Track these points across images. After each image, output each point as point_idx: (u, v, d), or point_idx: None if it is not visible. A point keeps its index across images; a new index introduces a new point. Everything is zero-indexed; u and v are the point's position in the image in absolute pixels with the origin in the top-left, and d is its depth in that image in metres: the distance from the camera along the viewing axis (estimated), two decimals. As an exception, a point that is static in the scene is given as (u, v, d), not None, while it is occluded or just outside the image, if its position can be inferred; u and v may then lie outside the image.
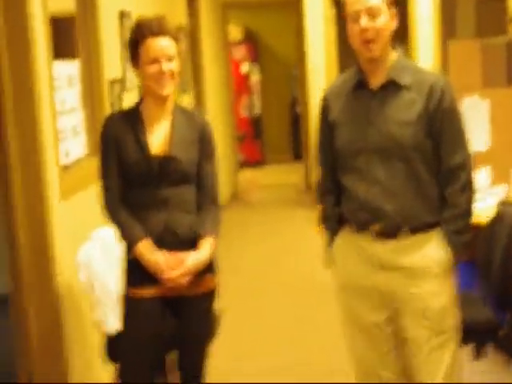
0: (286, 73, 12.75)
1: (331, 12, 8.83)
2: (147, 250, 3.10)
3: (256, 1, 10.36)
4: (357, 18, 2.86)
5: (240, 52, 12.75)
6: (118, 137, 3.14)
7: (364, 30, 2.84)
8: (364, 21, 2.84)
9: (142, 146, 3.14)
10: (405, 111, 2.89)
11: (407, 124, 2.88)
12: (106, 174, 3.17)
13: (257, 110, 13.02)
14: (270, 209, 9.59)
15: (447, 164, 2.91)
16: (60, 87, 4.06)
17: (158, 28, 3.09)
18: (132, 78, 5.30)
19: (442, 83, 2.91)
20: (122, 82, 5.03)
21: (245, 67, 12.84)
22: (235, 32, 12.56)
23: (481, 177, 4.71)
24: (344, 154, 2.99)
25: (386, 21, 2.88)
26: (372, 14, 2.84)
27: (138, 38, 3.11)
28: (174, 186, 3.14)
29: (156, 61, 3.08)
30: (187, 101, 7.62)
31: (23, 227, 3.60)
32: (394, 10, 2.93)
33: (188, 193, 3.18)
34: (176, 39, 3.16)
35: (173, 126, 3.19)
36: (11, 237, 3.60)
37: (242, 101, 12.81)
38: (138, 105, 3.23)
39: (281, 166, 12.56)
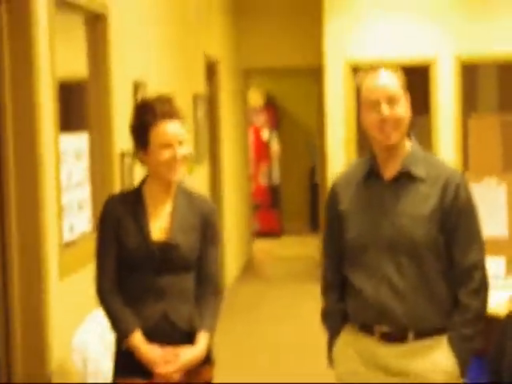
0: (305, 141, 12.64)
1: (352, 82, 8.73)
2: (141, 341, 2.91)
3: (278, 67, 10.28)
4: (376, 107, 2.74)
5: (261, 118, 12.68)
6: (119, 219, 2.99)
7: (384, 120, 2.72)
8: (385, 109, 2.72)
9: (143, 230, 2.98)
10: (418, 205, 2.76)
11: (420, 219, 2.74)
12: (102, 256, 3.00)
13: (275, 179, 12.88)
14: (285, 283, 9.26)
15: (461, 263, 2.76)
16: (67, 161, 3.92)
17: (170, 110, 2.96)
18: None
19: (458, 178, 2.80)
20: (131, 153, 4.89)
21: (265, 134, 12.75)
22: (256, 97, 12.51)
23: (495, 266, 4.48)
24: (352, 248, 2.83)
25: (405, 108, 2.78)
26: (392, 101, 2.73)
27: (148, 121, 2.96)
28: (173, 273, 2.98)
29: (169, 146, 2.94)
30: (202, 170, 7.49)
31: (18, 305, 3.44)
32: (408, 96, 2.82)
33: (187, 281, 3.02)
34: (184, 121, 3.02)
35: (175, 209, 3.03)
36: (5, 316, 3.43)
37: (261, 168, 12.69)
38: (141, 186, 3.07)
39: (298, 236, 12.29)
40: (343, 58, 8.75)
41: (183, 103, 6.65)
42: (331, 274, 2.95)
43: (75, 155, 4.05)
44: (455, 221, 2.74)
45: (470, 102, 10.37)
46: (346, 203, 2.86)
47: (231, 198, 9.21)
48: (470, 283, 2.74)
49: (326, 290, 2.97)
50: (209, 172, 7.93)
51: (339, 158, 8.72)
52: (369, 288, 2.77)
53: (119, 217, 2.98)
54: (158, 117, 2.94)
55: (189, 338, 2.99)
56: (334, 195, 2.92)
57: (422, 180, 2.76)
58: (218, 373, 3.20)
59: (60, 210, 3.67)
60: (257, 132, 12.63)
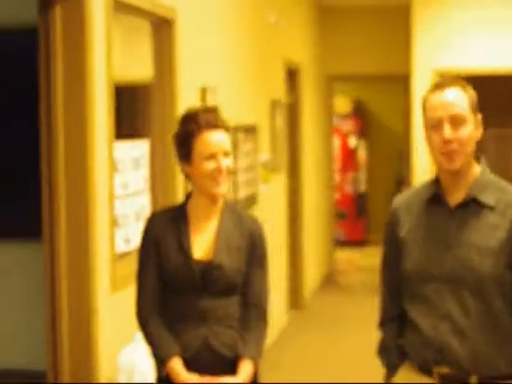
0: (393, 150, 12.29)
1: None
2: (180, 368, 2.72)
3: (363, 74, 10.00)
4: (438, 127, 2.49)
5: (348, 125, 12.40)
6: (160, 238, 2.81)
7: (446, 142, 2.47)
8: (447, 131, 2.47)
9: (185, 249, 2.79)
10: (485, 236, 2.49)
11: (487, 252, 2.47)
12: (143, 277, 2.82)
13: (362, 187, 12.58)
14: (366, 295, 8.91)
15: None
16: (123, 169, 3.78)
17: (215, 120, 2.77)
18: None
19: None
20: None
21: (352, 141, 12.46)
22: (343, 104, 12.24)
23: None
24: (411, 279, 2.57)
25: (471, 130, 2.51)
26: (456, 122, 2.48)
27: (192, 131, 2.78)
28: (216, 296, 2.77)
29: (213, 157, 2.75)
30: (279, 179, 7.29)
31: (66, 318, 3.32)
32: (479, 117, 2.54)
33: (232, 305, 2.81)
34: (229, 132, 2.83)
35: (220, 228, 2.83)
36: (53, 329, 3.32)
37: (348, 176, 12.41)
38: (185, 202, 2.89)
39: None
40: (431, 66, 8.43)
41: (259, 110, 6.47)
42: (390, 305, 2.69)
43: (133, 163, 3.91)
44: None
45: None
46: (406, 230, 2.61)
47: (312, 206, 8.97)
48: None
49: (384, 323, 2.71)
50: (287, 180, 7.72)
51: (426, 166, 8.39)
52: (427, 324, 2.50)
53: (160, 234, 2.80)
54: (202, 126, 2.75)
55: (232, 367, 2.78)
56: (394, 220, 2.66)
57: (490, 208, 2.50)
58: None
59: (113, 221, 3.53)
60: (343, 139, 12.36)
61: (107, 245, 3.49)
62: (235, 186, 5.63)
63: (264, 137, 6.66)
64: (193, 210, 2.85)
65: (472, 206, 2.50)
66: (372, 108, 12.54)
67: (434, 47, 8.45)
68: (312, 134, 9.01)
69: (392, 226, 2.66)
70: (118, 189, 3.71)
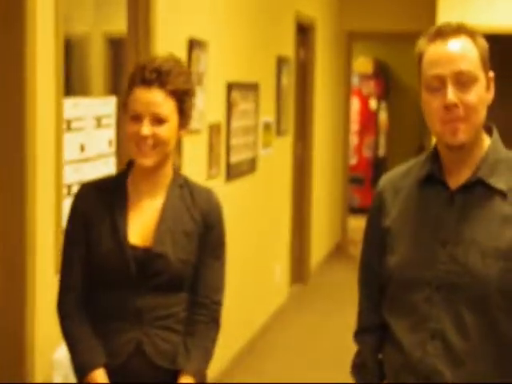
0: (416, 113, 11.65)
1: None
2: (103, 381, 2.24)
3: (386, 31, 9.33)
4: (438, 87, 1.92)
5: (368, 86, 11.77)
6: (90, 217, 2.29)
7: (449, 107, 1.90)
8: (450, 93, 1.90)
9: (119, 232, 2.27)
10: (494, 231, 1.92)
11: (495, 252, 1.90)
12: (67, 264, 2.31)
13: (381, 151, 11.98)
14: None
15: None
16: (81, 129, 3.28)
17: (155, 75, 2.22)
18: (198, 117, 4.49)
19: None
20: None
21: (373, 103, 11.84)
22: (364, 64, 11.61)
23: None
24: (394, 282, 2.02)
25: (482, 92, 1.93)
26: (463, 82, 1.91)
27: (129, 84, 2.26)
28: (156, 292, 2.26)
29: (138, 118, 2.22)
30: (284, 142, 6.75)
31: None
32: (490, 75, 1.97)
33: (177, 304, 2.30)
34: (181, 96, 2.26)
35: (165, 208, 2.31)
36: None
37: (367, 140, 11.81)
38: (126, 173, 2.37)
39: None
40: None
41: (262, 67, 5.91)
42: (368, 312, 2.16)
43: (95, 123, 3.41)
44: None
45: None
46: (391, 217, 2.05)
47: (324, 171, 8.43)
48: None
49: (361, 334, 2.19)
50: (294, 144, 7.18)
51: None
52: (412, 342, 1.97)
53: (91, 212, 2.29)
54: (136, 81, 2.23)
55: (171, 379, 2.27)
56: (378, 205, 2.11)
57: (502, 195, 1.94)
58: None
59: (60, 189, 3.03)
60: (364, 101, 11.74)
61: (52, 218, 3.00)
62: (228, 149, 5.11)
63: (267, 96, 6.11)
64: (133, 184, 2.33)
65: (478, 190, 1.95)
66: (395, 68, 11.89)
67: (460, 3, 7.81)
68: (327, 94, 8.43)
69: (375, 212, 2.11)
70: (73, 152, 3.21)
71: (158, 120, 2.22)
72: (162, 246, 2.25)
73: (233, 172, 5.21)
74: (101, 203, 2.30)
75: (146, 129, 2.20)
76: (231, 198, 5.23)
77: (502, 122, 2.08)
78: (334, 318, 6.54)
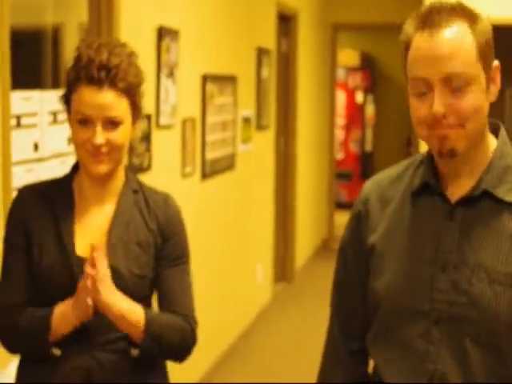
0: (403, 106, 11.39)
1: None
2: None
3: (373, 23, 9.06)
4: (425, 91, 1.58)
5: (355, 79, 11.51)
6: (31, 225, 2.00)
7: (437, 118, 1.56)
8: (437, 102, 1.55)
9: (64, 242, 1.98)
10: (505, 253, 1.59)
11: (508, 279, 1.57)
12: (6, 282, 2.02)
13: (368, 146, 11.72)
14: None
15: None
16: (36, 126, 3.01)
17: (105, 73, 1.91)
18: (170, 111, 4.21)
19: None
20: (151, 116, 3.94)
21: (359, 97, 11.58)
22: (350, 57, 11.34)
23: None
24: (383, 312, 1.69)
25: (480, 93, 1.58)
26: (454, 86, 1.56)
27: (71, 81, 1.95)
28: None
29: (89, 123, 1.93)
30: (265, 137, 6.47)
31: None
32: (495, 64, 1.63)
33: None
34: (133, 91, 1.97)
35: (116, 216, 2.03)
36: None
37: (353, 134, 11.55)
38: (70, 177, 2.08)
39: (389, 209, 11.17)
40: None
41: (240, 58, 5.64)
42: (340, 345, 1.82)
43: (52, 118, 3.13)
44: None
45: None
46: (378, 233, 1.72)
47: (309, 166, 8.17)
48: None
49: (328, 371, 1.85)
50: (276, 139, 6.91)
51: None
52: None
53: (31, 220, 2.00)
54: (81, 78, 1.92)
55: None
56: (361, 216, 1.77)
57: None
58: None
59: (8, 194, 2.75)
60: (350, 95, 11.48)
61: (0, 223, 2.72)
62: (203, 145, 4.83)
63: (247, 89, 5.83)
64: (80, 189, 2.05)
65: (484, 203, 1.62)
66: (382, 61, 11.61)
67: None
68: (311, 87, 8.16)
69: (357, 223, 1.77)
70: (24, 151, 2.94)
71: (112, 123, 1.93)
72: (113, 258, 1.96)
73: (209, 170, 4.94)
74: (43, 210, 2.01)
75: (100, 137, 1.91)
76: (208, 197, 4.96)
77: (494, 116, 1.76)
78: (320, 316, 6.25)
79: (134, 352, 1.96)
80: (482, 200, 1.62)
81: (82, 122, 1.92)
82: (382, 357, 1.69)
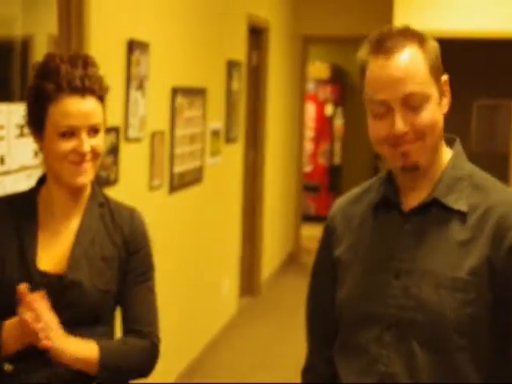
0: (372, 120, 11.45)
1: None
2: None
3: (343, 36, 9.09)
4: (384, 113, 1.68)
5: (324, 92, 11.55)
6: None
7: (398, 136, 1.67)
8: (399, 121, 1.66)
9: (26, 257, 1.98)
10: (451, 259, 1.67)
11: (453, 283, 1.65)
12: None
13: (337, 159, 11.76)
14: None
15: None
16: (2, 138, 2.97)
17: (83, 80, 1.94)
18: (139, 124, 4.19)
19: None
20: (119, 129, 3.92)
21: (329, 110, 11.62)
22: (320, 69, 11.39)
23: None
24: (344, 319, 1.80)
25: (435, 108, 1.69)
26: (412, 104, 1.66)
27: (47, 92, 1.95)
28: (70, 327, 1.94)
29: (73, 133, 1.94)
30: (234, 150, 6.47)
31: None
32: (444, 78, 1.73)
33: (95, 340, 2.00)
34: (104, 98, 2.01)
35: (81, 230, 2.03)
36: None
37: (322, 147, 11.58)
38: (36, 190, 2.08)
39: (357, 222, 11.20)
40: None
41: (210, 71, 5.63)
42: (315, 354, 1.94)
43: (18, 131, 3.09)
44: None
45: None
46: (343, 246, 1.84)
47: (277, 179, 8.17)
48: None
49: (307, 374, 1.96)
50: (245, 152, 6.91)
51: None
52: None
53: None
54: (62, 88, 1.93)
55: None
56: (329, 233, 1.90)
57: (460, 217, 1.69)
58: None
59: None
60: (319, 107, 11.52)
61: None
62: (171, 158, 4.81)
63: (216, 102, 5.82)
64: (45, 202, 2.05)
65: (434, 212, 1.72)
66: (352, 74, 11.68)
67: (417, 7, 7.63)
68: (280, 100, 8.17)
69: (325, 243, 1.91)
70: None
71: (94, 131, 1.97)
72: (77, 272, 1.97)
73: (177, 183, 4.91)
74: (7, 224, 2.01)
75: (87, 145, 1.94)
76: (175, 210, 4.94)
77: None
78: (286, 330, 6.27)
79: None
80: (432, 209, 1.72)
81: (65, 134, 1.94)
82: (342, 361, 1.79)
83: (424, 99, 1.66)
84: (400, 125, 1.65)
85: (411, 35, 1.70)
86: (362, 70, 1.71)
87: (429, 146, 1.69)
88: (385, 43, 1.67)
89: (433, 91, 1.68)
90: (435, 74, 1.69)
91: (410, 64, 1.66)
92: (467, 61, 9.58)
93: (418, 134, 1.66)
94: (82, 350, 1.94)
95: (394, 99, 1.65)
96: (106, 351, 1.96)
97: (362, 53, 1.71)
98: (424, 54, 1.68)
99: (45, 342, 1.85)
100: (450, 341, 1.64)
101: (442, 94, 1.71)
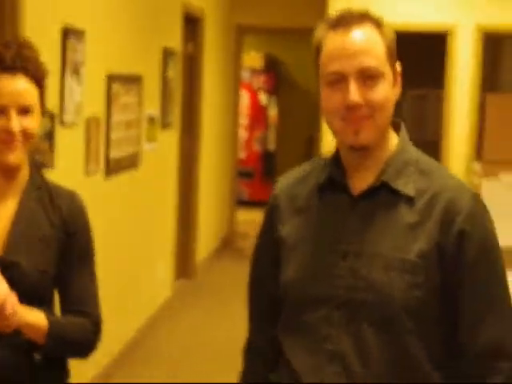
0: (305, 108, 11.69)
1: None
2: None
3: (277, 26, 9.28)
4: (339, 84, 1.71)
5: (259, 81, 11.73)
6: None
7: (352, 107, 1.70)
8: (353, 92, 1.69)
9: None
10: (399, 242, 1.72)
11: (402, 265, 1.70)
12: None
13: (271, 146, 11.97)
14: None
15: (472, 345, 1.70)
16: None
17: (14, 59, 2.00)
18: (74, 110, 4.29)
19: (468, 198, 1.73)
20: (55, 114, 4.02)
21: (263, 98, 11.81)
22: (254, 59, 11.56)
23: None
24: (290, 299, 1.81)
25: (388, 89, 1.74)
26: (367, 78, 1.70)
27: None
28: None
29: (2, 112, 2.00)
30: (170, 136, 6.60)
31: None
32: (398, 69, 1.79)
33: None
34: (40, 80, 2.07)
35: (19, 212, 2.09)
36: None
37: (256, 134, 11.77)
38: None
39: (290, 207, 11.42)
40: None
41: (146, 59, 5.75)
42: (257, 331, 1.96)
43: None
44: (461, 273, 1.70)
45: (491, 79, 9.44)
46: (287, 227, 1.85)
47: (212, 165, 8.32)
48: (490, 377, 1.68)
49: (248, 352, 1.99)
50: (181, 138, 7.04)
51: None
52: (308, 365, 1.75)
53: None
54: None
55: None
56: (272, 212, 1.90)
57: (408, 200, 1.74)
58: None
59: None
60: (254, 96, 11.70)
61: None
62: (107, 144, 4.92)
63: (152, 89, 5.94)
64: None
65: (383, 195, 1.75)
66: (285, 64, 11.89)
67: (348, 1, 7.85)
68: (215, 88, 8.32)
69: (269, 219, 1.90)
70: None
71: (25, 111, 2.01)
72: (15, 254, 2.03)
73: (113, 168, 5.03)
74: None
75: (17, 123, 1.98)
76: (112, 195, 5.05)
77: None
78: (220, 313, 6.44)
79: (37, 356, 2.03)
80: (381, 192, 1.75)
81: None
82: (288, 340, 1.80)
83: (379, 75, 1.70)
84: (354, 95, 1.67)
85: (370, 17, 1.75)
86: (318, 48, 1.74)
87: (379, 125, 1.71)
88: (344, 19, 1.73)
89: (388, 72, 1.72)
90: (390, 58, 1.74)
91: (368, 39, 1.70)
92: (398, 52, 9.85)
93: (371, 110, 1.69)
94: (32, 316, 1.98)
95: (350, 71, 1.68)
96: (53, 321, 2.02)
97: (318, 33, 1.75)
98: (382, 35, 1.73)
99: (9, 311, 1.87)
100: (399, 322, 1.67)
101: (395, 80, 1.76)
